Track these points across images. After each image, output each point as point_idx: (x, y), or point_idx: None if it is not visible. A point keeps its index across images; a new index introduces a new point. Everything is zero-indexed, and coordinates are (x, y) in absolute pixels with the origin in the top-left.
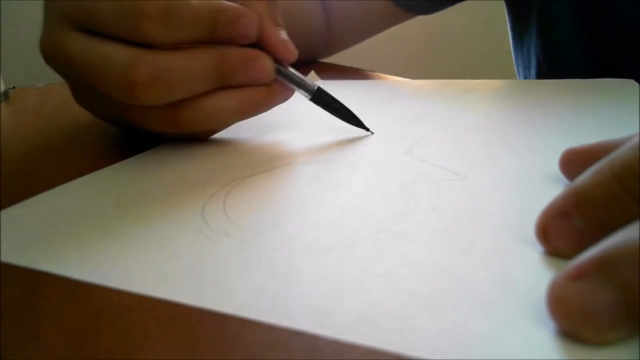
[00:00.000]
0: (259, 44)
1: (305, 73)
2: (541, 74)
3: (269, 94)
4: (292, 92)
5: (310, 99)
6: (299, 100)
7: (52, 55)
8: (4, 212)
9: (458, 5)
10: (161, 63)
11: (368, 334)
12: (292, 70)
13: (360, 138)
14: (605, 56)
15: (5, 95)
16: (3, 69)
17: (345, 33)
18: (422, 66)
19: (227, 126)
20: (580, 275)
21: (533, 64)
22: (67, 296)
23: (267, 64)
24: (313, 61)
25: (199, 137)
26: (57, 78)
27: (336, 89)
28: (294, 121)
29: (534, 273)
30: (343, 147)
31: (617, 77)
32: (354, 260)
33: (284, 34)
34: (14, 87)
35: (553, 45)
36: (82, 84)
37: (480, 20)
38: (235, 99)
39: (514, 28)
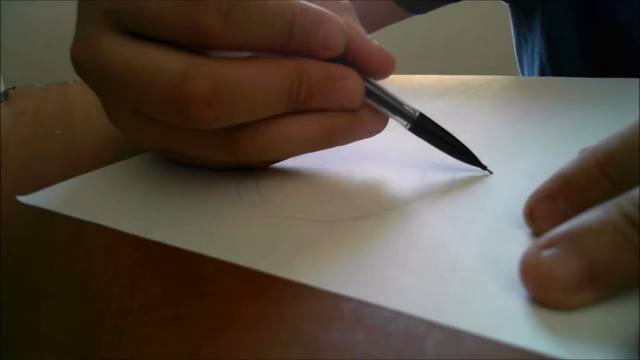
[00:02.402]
0: (343, 58)
1: None
2: (544, 75)
3: (354, 123)
4: (385, 122)
5: (410, 129)
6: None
7: (87, 64)
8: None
9: (456, 6)
10: (225, 74)
11: (355, 287)
12: (386, 90)
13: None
14: (607, 59)
15: (5, 95)
16: (3, 69)
17: None
18: (422, 65)
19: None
20: (550, 244)
21: (536, 64)
22: (66, 296)
23: (356, 86)
24: None
25: (257, 166)
26: (57, 78)
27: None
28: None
29: (519, 251)
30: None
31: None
32: (358, 230)
33: (373, 42)
34: (14, 87)
35: (556, 46)
36: (122, 100)
37: (480, 20)
38: (311, 126)
39: (518, 28)
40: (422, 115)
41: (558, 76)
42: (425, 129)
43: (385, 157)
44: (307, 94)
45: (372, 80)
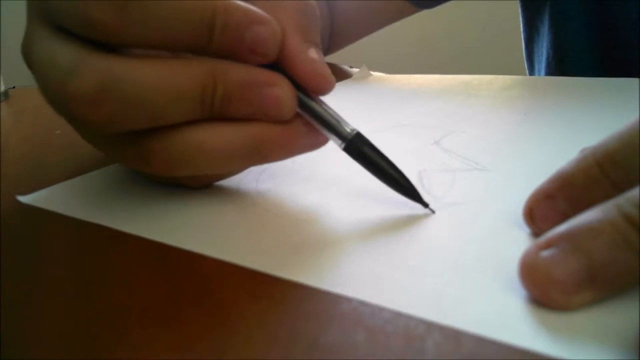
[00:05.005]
0: (280, 67)
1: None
2: (550, 69)
3: (286, 136)
4: (326, 137)
5: (344, 149)
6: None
7: (24, 57)
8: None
9: (457, 5)
10: (115, 73)
11: (354, 288)
12: (323, 104)
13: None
14: (614, 54)
15: (5, 95)
16: (3, 69)
17: (349, 32)
18: (422, 65)
19: (230, 173)
20: (549, 244)
21: (543, 58)
22: (66, 296)
23: (284, 94)
24: None
25: (195, 185)
26: None
27: (362, 89)
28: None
29: (519, 251)
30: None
31: (625, 76)
32: (358, 231)
33: (316, 54)
34: (14, 87)
35: (563, 41)
36: None
37: (480, 20)
38: (234, 137)
39: (530, 21)
40: (359, 135)
41: (564, 71)
42: (360, 151)
43: None
44: (224, 99)
45: (309, 92)
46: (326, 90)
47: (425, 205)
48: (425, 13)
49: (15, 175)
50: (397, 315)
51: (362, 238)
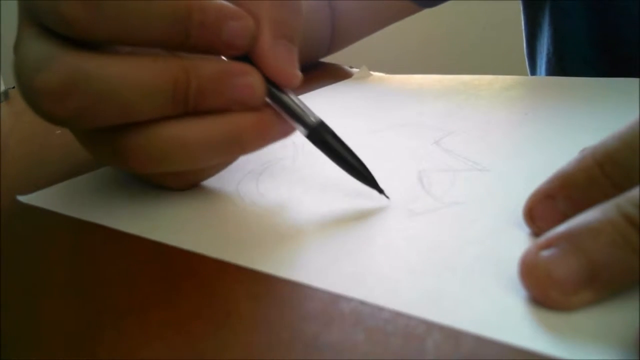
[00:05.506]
0: (248, 59)
1: (313, 75)
2: (550, 67)
3: (257, 123)
4: (293, 127)
5: (307, 136)
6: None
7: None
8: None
9: (457, 5)
10: (83, 68)
11: (354, 288)
12: (290, 96)
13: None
14: (614, 51)
15: (5, 95)
16: (3, 69)
17: (351, 32)
18: (422, 65)
19: (211, 172)
20: (548, 244)
21: (543, 55)
22: (66, 296)
23: (255, 82)
24: (314, 63)
25: (180, 186)
26: None
27: (362, 89)
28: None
29: (519, 251)
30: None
31: (624, 73)
32: (358, 231)
33: (285, 49)
34: (13, 87)
35: (563, 37)
36: None
37: (480, 20)
38: (213, 129)
39: (533, 19)
40: (322, 124)
41: (564, 67)
42: (322, 139)
43: (385, 157)
44: (198, 93)
45: (274, 83)
46: (291, 85)
47: (381, 191)
48: (426, 13)
49: (15, 175)
50: (397, 315)
51: (363, 238)
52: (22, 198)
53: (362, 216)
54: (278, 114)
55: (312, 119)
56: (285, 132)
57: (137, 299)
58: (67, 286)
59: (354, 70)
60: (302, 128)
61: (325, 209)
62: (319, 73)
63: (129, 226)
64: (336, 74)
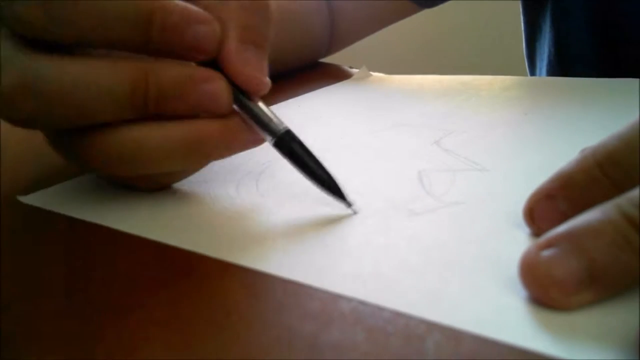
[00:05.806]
0: (215, 65)
1: (313, 76)
2: (551, 67)
3: (224, 131)
4: (261, 136)
5: (274, 145)
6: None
7: None
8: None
9: (458, 4)
10: (36, 68)
11: (354, 288)
12: (259, 103)
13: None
14: (616, 51)
15: None
16: None
17: (350, 32)
18: (421, 65)
19: (181, 175)
20: (549, 244)
21: (545, 56)
22: (66, 296)
23: (221, 88)
24: (314, 64)
25: (149, 188)
26: None
27: (362, 89)
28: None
29: (519, 251)
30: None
31: (627, 72)
32: (358, 231)
33: (252, 55)
34: None
35: (565, 38)
36: None
37: (480, 20)
38: (174, 134)
39: (532, 20)
40: (289, 132)
41: (566, 68)
42: (289, 148)
43: (385, 157)
44: (158, 98)
45: (242, 90)
46: (259, 91)
47: (349, 205)
48: (426, 13)
49: (15, 175)
50: (397, 315)
51: (363, 237)
52: (22, 198)
53: (362, 216)
54: (245, 122)
55: (280, 127)
56: (253, 141)
57: (137, 298)
58: (67, 286)
59: (354, 70)
60: (267, 135)
61: (325, 209)
62: (319, 73)
63: (129, 226)
64: (336, 75)
